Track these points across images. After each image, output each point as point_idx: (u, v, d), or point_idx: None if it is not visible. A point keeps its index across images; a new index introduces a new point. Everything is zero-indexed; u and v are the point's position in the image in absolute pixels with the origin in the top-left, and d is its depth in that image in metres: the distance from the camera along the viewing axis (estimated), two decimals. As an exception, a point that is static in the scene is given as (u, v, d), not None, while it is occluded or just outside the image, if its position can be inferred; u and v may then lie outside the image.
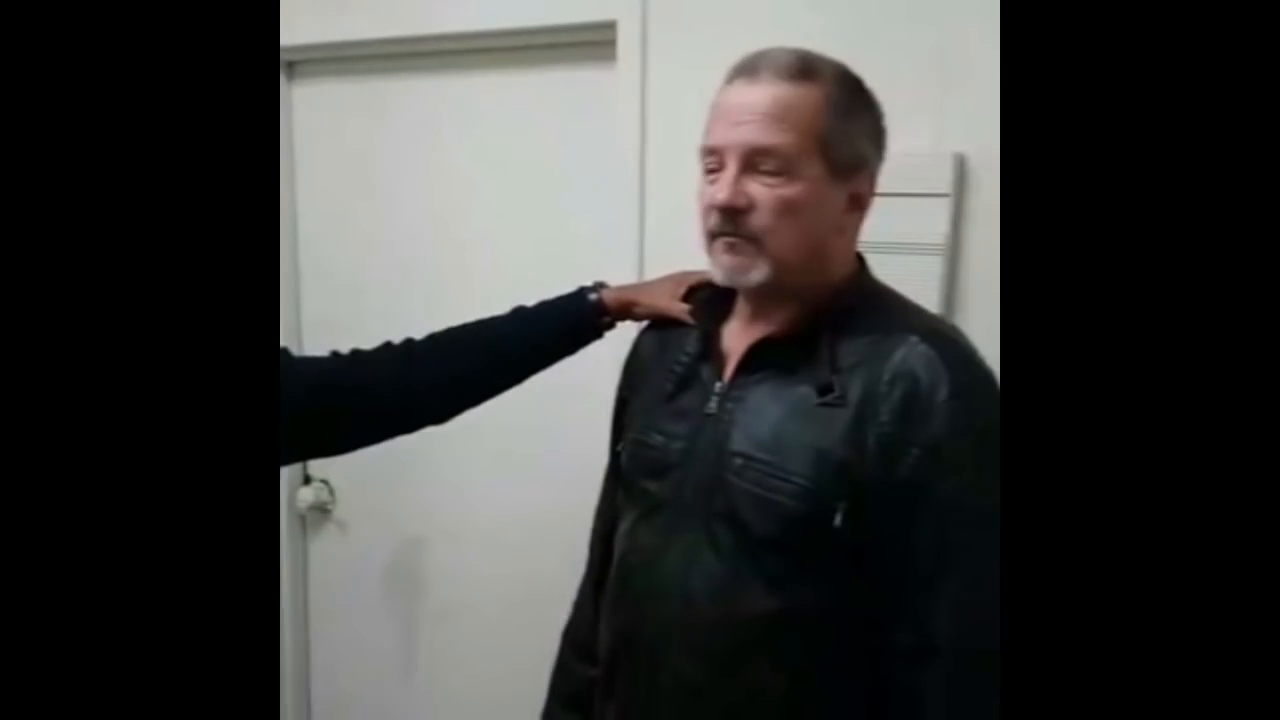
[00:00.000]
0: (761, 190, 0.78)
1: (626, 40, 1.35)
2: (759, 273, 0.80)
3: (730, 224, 0.79)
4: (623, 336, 1.12)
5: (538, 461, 1.62)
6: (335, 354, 1.03)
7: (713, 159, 0.81)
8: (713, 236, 0.82)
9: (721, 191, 0.78)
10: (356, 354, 1.04)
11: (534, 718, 1.18)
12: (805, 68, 0.78)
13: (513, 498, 1.65)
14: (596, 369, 1.21)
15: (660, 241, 1.39)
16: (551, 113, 1.53)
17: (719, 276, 0.84)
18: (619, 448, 0.99)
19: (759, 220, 0.78)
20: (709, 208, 0.81)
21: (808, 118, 0.77)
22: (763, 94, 0.77)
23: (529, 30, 1.45)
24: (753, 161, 0.78)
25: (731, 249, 0.81)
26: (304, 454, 1.00)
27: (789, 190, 0.77)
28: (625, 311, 1.07)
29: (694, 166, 1.30)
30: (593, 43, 1.42)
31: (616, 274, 1.29)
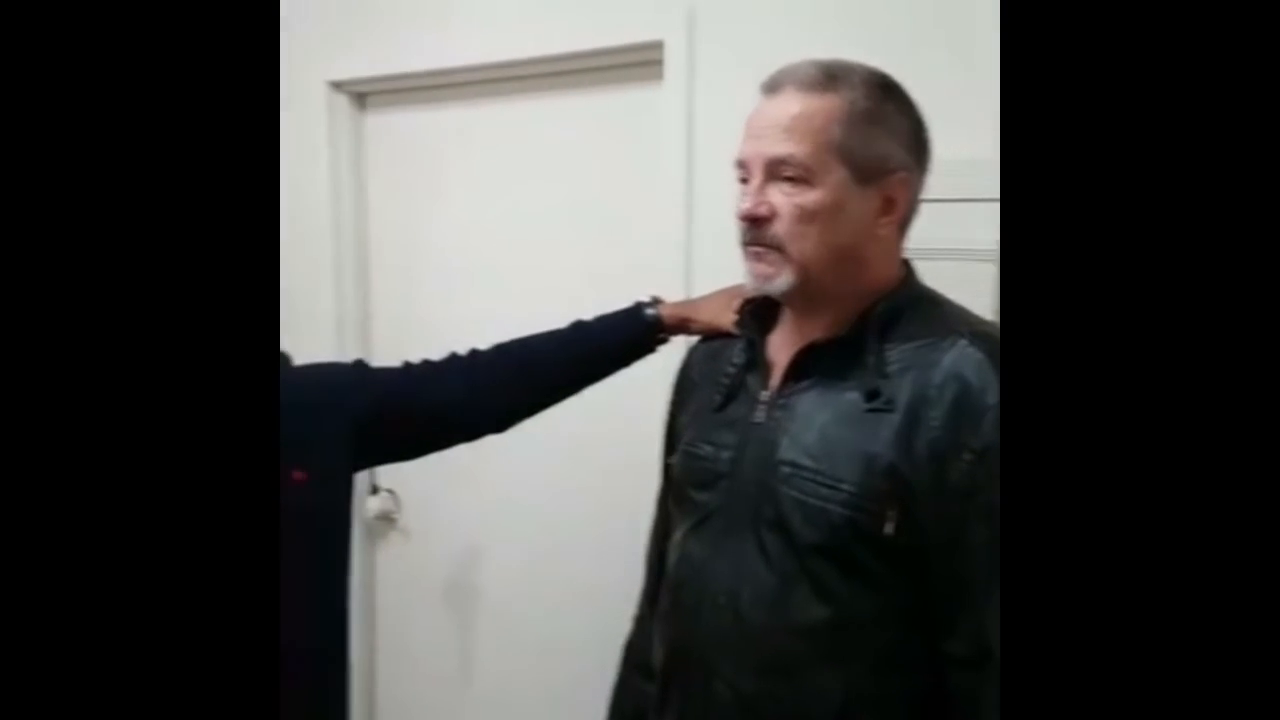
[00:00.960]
0: (782, 199, 0.80)
1: (673, 59, 1.38)
2: (784, 280, 0.82)
3: (754, 233, 0.82)
4: (675, 349, 1.14)
5: (593, 472, 1.65)
6: (407, 364, 1.08)
7: (742, 171, 0.84)
8: (744, 246, 0.85)
9: (745, 202, 0.82)
10: (426, 364, 1.08)
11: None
12: (826, 77, 0.80)
13: (568, 507, 1.68)
14: (650, 381, 1.23)
15: (707, 255, 1.41)
16: (602, 132, 1.57)
17: (750, 284, 0.86)
18: (670, 460, 1.01)
19: (781, 228, 0.81)
20: (738, 218, 0.84)
21: (824, 125, 0.79)
22: (782, 106, 0.80)
23: (580, 54, 1.49)
24: (774, 171, 0.80)
25: (758, 257, 0.83)
26: (376, 460, 1.05)
27: (808, 197, 0.79)
28: (681, 327, 1.10)
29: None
30: (641, 63, 1.45)
31: (665, 287, 1.32)
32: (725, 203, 1.36)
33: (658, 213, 1.46)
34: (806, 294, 0.84)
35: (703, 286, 1.32)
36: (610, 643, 1.19)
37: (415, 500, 1.87)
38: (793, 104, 0.80)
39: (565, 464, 1.67)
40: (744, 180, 0.84)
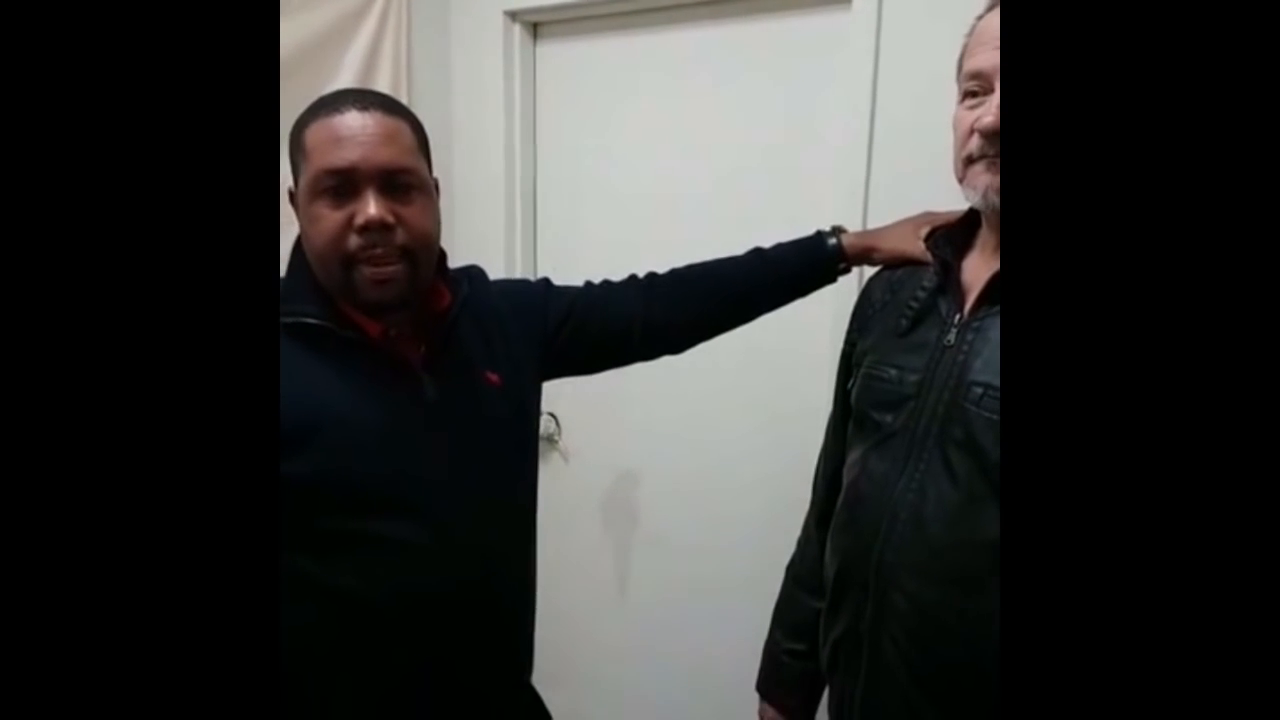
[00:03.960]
0: None
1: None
2: None
3: (996, 147, 0.79)
4: (843, 281, 1.14)
5: (749, 400, 1.68)
6: (588, 283, 1.13)
7: (975, 83, 0.81)
8: (970, 160, 0.82)
9: (990, 114, 0.78)
10: (607, 283, 1.13)
11: (736, 640, 1.23)
12: None
13: (723, 434, 1.72)
14: (810, 309, 1.23)
15: (886, 185, 1.39)
16: (783, 60, 1.55)
17: (977, 200, 0.83)
18: (849, 385, 1.01)
19: None
20: (971, 131, 0.81)
21: None
22: None
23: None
24: None
25: (996, 168, 0.80)
26: (559, 371, 1.10)
27: None
28: (864, 256, 1.09)
29: (924, 110, 1.29)
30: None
31: (842, 218, 1.30)
32: (907, 135, 1.34)
33: (838, 143, 1.44)
34: None
35: (879, 217, 1.30)
36: (763, 565, 1.22)
37: (575, 424, 1.95)
38: None
39: (721, 389, 1.70)
40: (973, 94, 0.81)
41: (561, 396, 1.85)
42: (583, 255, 1.87)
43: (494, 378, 0.98)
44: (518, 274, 1.90)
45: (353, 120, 0.82)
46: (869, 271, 1.10)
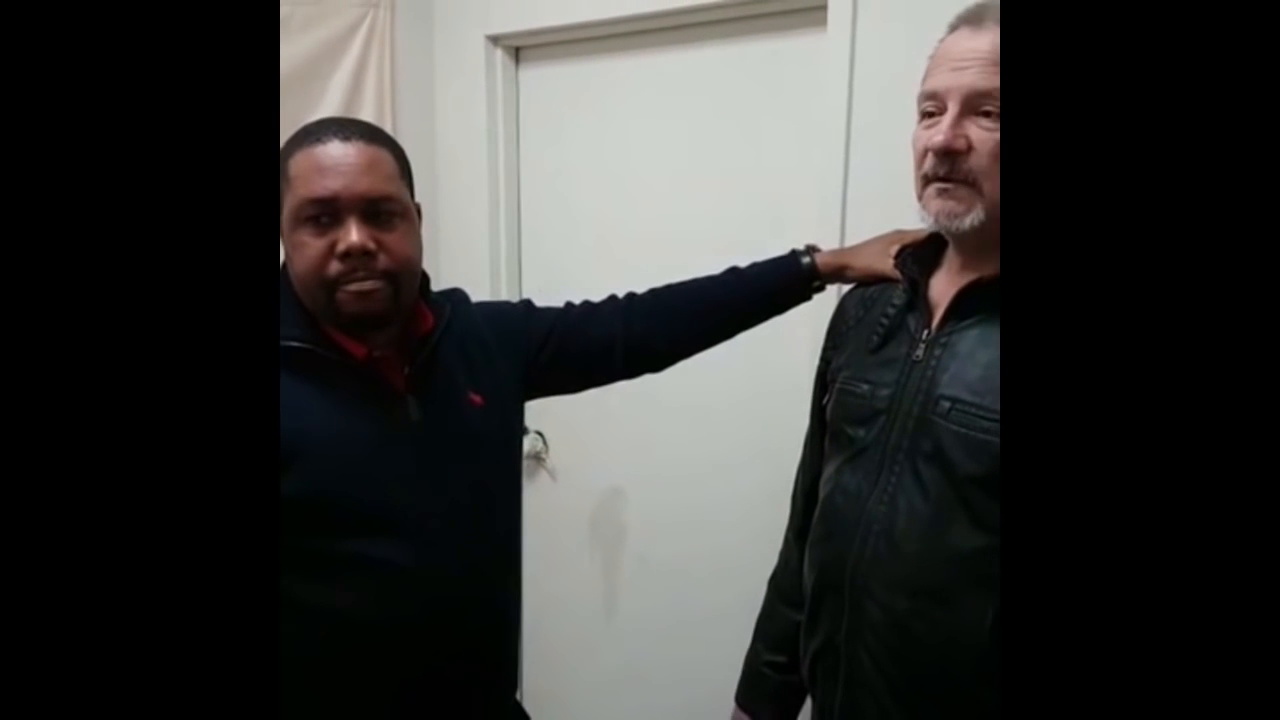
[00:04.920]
0: (981, 134, 0.78)
1: (837, 6, 1.37)
2: (974, 216, 0.80)
3: (946, 166, 0.80)
4: (821, 300, 1.16)
5: (734, 415, 1.69)
6: (569, 304, 1.15)
7: (931, 103, 0.82)
8: (926, 181, 0.83)
9: (940, 134, 0.79)
10: (587, 304, 1.15)
11: (724, 656, 1.25)
12: None
13: (709, 451, 1.73)
14: (792, 326, 1.26)
15: (863, 204, 1.41)
16: (759, 82, 1.58)
17: (930, 222, 0.85)
18: (824, 401, 1.03)
19: (977, 162, 0.79)
20: (925, 151, 0.82)
21: None
22: (987, 39, 0.78)
23: (738, 2, 1.50)
24: (974, 105, 0.78)
25: (945, 194, 0.81)
26: (541, 391, 1.12)
27: None
28: (837, 274, 1.11)
29: (899, 129, 1.31)
30: (804, 9, 1.45)
31: (819, 236, 1.33)
32: (883, 154, 1.37)
33: (815, 162, 1.47)
34: (989, 233, 0.81)
35: (857, 236, 1.32)
36: (749, 581, 1.23)
37: (563, 442, 1.96)
38: (999, 37, 0.76)
39: (708, 407, 1.71)
40: (930, 114, 0.83)
41: (549, 414, 1.87)
42: (567, 276, 1.89)
43: (477, 399, 0.99)
44: (503, 295, 1.92)
45: (335, 150, 0.84)
46: (846, 288, 1.12)
